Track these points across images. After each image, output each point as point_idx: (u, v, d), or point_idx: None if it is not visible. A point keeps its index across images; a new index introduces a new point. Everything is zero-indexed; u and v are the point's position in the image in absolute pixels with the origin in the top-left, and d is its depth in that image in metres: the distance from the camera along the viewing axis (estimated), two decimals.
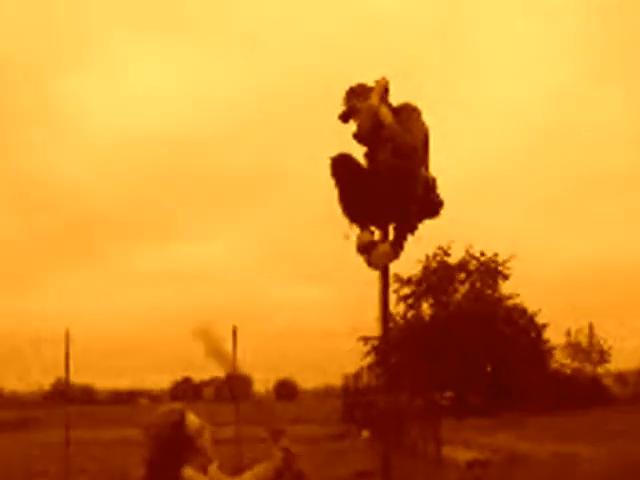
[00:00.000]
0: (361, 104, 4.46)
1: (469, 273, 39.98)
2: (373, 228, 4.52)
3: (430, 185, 4.50)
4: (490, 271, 39.40)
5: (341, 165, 4.46)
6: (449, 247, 39.85)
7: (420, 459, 14.91)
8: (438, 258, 40.16)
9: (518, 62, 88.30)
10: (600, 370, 40.66)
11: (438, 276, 39.42)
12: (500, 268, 39.22)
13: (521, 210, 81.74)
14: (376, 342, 39.51)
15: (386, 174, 4.30)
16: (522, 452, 15.75)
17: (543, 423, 24.65)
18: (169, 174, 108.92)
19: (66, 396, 14.99)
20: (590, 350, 40.40)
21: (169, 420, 3.04)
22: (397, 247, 4.39)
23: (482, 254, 39.61)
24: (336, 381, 38.46)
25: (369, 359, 39.36)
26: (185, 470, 2.97)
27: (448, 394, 38.71)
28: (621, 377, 42.82)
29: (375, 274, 4.48)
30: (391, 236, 4.45)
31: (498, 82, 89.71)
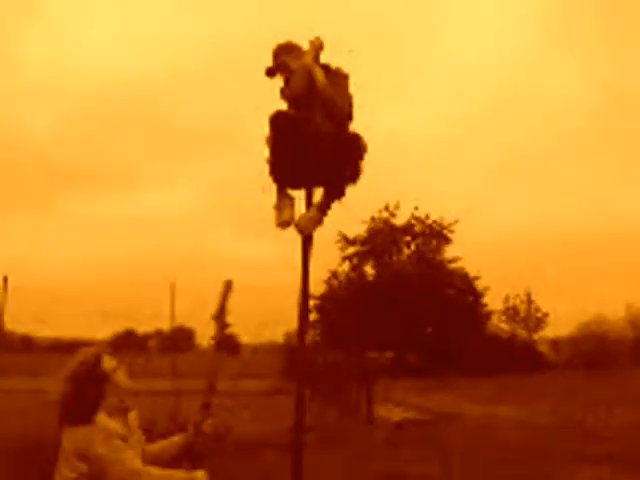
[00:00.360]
0: (293, 62, 4.38)
1: (414, 235, 40.37)
2: (291, 193, 4.46)
3: (362, 148, 4.46)
4: (434, 234, 39.85)
5: (279, 123, 4.35)
6: (395, 208, 40.17)
7: (353, 417, 15.11)
8: (384, 218, 40.44)
9: (478, 26, 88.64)
10: (536, 336, 41.86)
11: (383, 237, 39.70)
12: (444, 232, 39.71)
13: (468, 175, 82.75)
14: (318, 301, 39.90)
15: (322, 139, 4.27)
16: (453, 412, 16.14)
17: (478, 385, 25.22)
18: (125, 121, 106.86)
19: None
20: (527, 316, 41.43)
21: (85, 359, 3.30)
22: (324, 212, 4.38)
23: (427, 217, 40.03)
24: (279, 338, 38.73)
25: (311, 317, 39.73)
26: (98, 416, 3.17)
27: (388, 354, 39.37)
28: (556, 344, 44.11)
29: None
30: (317, 201, 4.41)
31: (456, 46, 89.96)
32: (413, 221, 40.37)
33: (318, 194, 4.46)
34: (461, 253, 39.64)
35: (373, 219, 40.58)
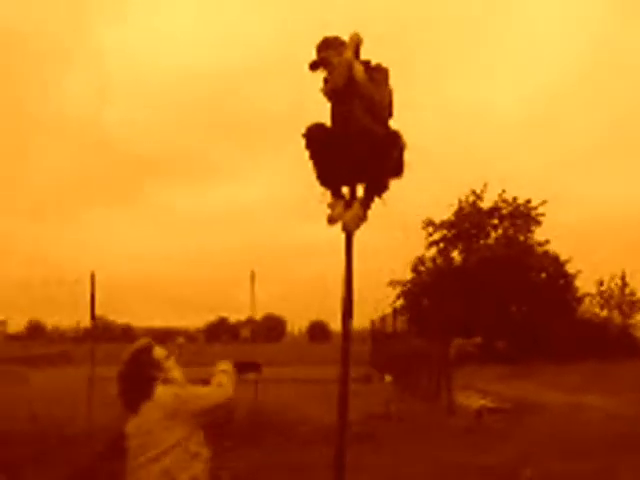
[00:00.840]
0: (334, 57, 4.40)
1: (501, 218, 39.53)
2: (345, 191, 4.53)
3: (401, 145, 4.46)
4: (523, 216, 38.88)
5: (314, 136, 4.45)
6: (482, 191, 39.41)
7: (434, 405, 15.05)
8: (470, 202, 39.79)
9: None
10: (631, 321, 40.25)
11: (470, 221, 39.07)
12: (533, 214, 38.67)
13: (558, 155, 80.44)
14: (405, 287, 39.72)
15: (361, 134, 4.27)
16: (535, 400, 15.81)
17: (565, 372, 24.55)
18: (204, 115, 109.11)
19: (92, 335, 15.33)
20: (621, 300, 39.85)
21: (139, 347, 3.61)
22: (366, 209, 4.40)
23: (515, 199, 39.09)
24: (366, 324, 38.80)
25: (398, 303, 39.57)
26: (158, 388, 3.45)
27: (476, 340, 38.82)
28: None
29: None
30: (360, 196, 4.44)
31: (544, 25, 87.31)
32: (501, 204, 39.46)
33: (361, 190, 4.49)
34: (551, 236, 38.44)
35: (460, 202, 40.00)
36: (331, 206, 4.47)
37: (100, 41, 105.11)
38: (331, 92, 4.45)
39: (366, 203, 4.42)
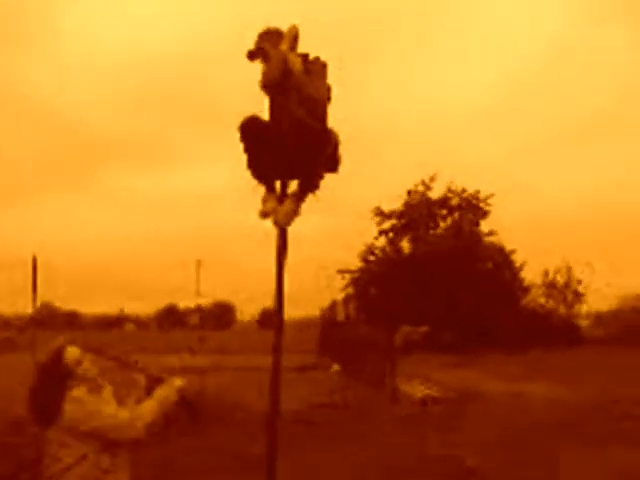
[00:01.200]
0: (270, 49, 4.30)
1: (450, 209, 39.90)
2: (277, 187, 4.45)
3: (334, 142, 4.40)
4: (471, 207, 39.30)
5: (248, 129, 4.32)
6: (432, 181, 39.72)
7: (379, 393, 15.07)
8: (420, 192, 40.05)
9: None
10: (575, 311, 41.01)
11: (419, 211, 39.31)
12: (481, 205, 39.12)
13: (505, 148, 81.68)
14: (354, 274, 39.81)
15: (295, 128, 4.19)
16: (479, 389, 15.95)
17: (510, 362, 24.89)
18: (166, 97, 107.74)
19: (35, 321, 15.04)
20: (565, 291, 40.54)
21: (46, 355, 3.31)
22: (299, 204, 4.33)
23: (464, 190, 39.49)
24: (316, 312, 38.83)
25: (347, 292, 39.68)
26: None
27: (422, 329, 39.11)
28: (595, 318, 43.29)
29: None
30: (293, 192, 4.38)
31: (499, 14, 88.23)
32: (449, 194, 39.86)
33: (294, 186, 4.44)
34: (498, 227, 38.99)
35: (409, 193, 40.21)
36: (263, 200, 4.38)
37: (59, 22, 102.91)
38: (266, 84, 4.34)
39: (299, 198, 4.34)
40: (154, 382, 3.50)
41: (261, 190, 4.44)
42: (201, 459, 8.59)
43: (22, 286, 14.45)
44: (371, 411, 12.69)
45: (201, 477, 8.00)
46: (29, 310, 15.02)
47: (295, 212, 4.31)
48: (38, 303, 14.61)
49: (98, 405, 3.20)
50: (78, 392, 3.20)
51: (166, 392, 3.41)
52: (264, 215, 4.31)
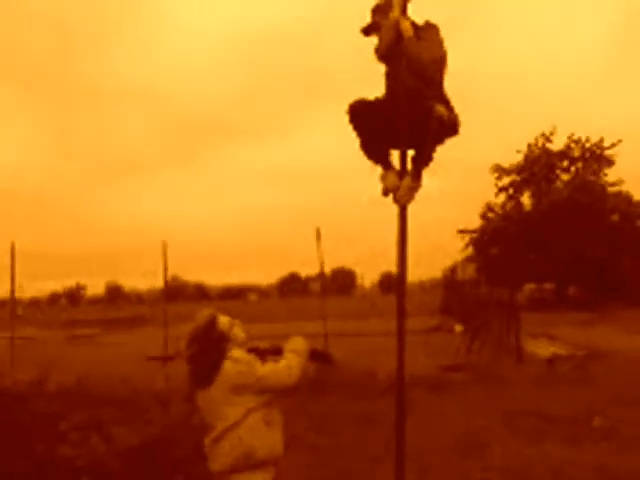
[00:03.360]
0: (383, 19, 4.35)
1: (572, 160, 38.47)
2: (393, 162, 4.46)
3: (448, 104, 4.37)
4: (595, 157, 37.73)
5: (357, 112, 4.37)
6: (552, 133, 38.42)
7: (504, 353, 14.95)
8: (540, 145, 38.82)
9: None
10: None
11: (540, 164, 38.15)
12: (605, 153, 37.47)
13: (627, 94, 77.37)
14: (474, 234, 39.27)
15: (406, 96, 4.17)
16: (610, 347, 15.51)
17: None
18: (269, 72, 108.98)
19: (167, 298, 15.90)
20: None
21: (201, 322, 3.62)
22: (418, 180, 4.31)
23: (587, 140, 37.94)
24: (438, 274, 38.55)
25: (468, 252, 39.26)
26: (225, 362, 3.50)
27: (548, 286, 38.23)
28: None
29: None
30: (410, 167, 4.37)
31: None
32: (572, 145, 38.42)
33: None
34: (625, 176, 37.34)
35: (529, 146, 39.09)
36: (382, 178, 4.41)
37: (164, 8, 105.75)
38: (380, 53, 4.40)
39: (417, 173, 4.33)
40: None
41: (377, 168, 4.48)
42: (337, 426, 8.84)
43: (152, 262, 15.25)
44: (496, 372, 12.64)
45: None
46: (160, 285, 15.81)
47: (415, 189, 4.32)
48: (168, 277, 15.47)
49: (255, 361, 3.53)
50: (236, 353, 3.52)
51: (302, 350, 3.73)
52: (385, 193, 4.35)
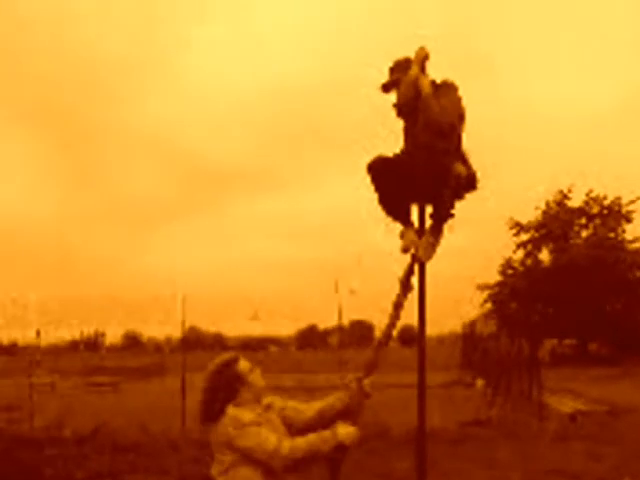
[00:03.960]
0: (402, 76, 4.41)
1: (590, 217, 38.45)
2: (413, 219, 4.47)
3: (466, 161, 4.40)
4: (613, 214, 37.67)
5: (376, 169, 4.36)
6: (569, 191, 38.54)
7: (524, 408, 14.77)
8: (558, 201, 38.89)
9: None
10: None
11: (558, 221, 38.13)
12: (624, 210, 37.43)
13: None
14: (493, 290, 39.09)
15: (421, 153, 4.23)
16: (632, 403, 15.27)
17: None
18: (279, 125, 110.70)
19: (185, 348, 15.90)
20: None
21: (221, 361, 3.63)
22: (437, 237, 4.32)
23: (605, 197, 37.98)
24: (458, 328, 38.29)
25: (487, 307, 39.03)
26: (228, 408, 3.47)
27: (569, 342, 37.80)
28: None
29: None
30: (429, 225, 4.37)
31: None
32: (590, 202, 38.46)
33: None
34: None
35: (547, 203, 39.17)
36: (402, 235, 4.40)
37: (184, 58, 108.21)
38: (399, 108, 4.45)
39: (437, 230, 4.34)
40: None
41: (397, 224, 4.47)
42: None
43: (170, 312, 15.30)
44: (518, 428, 12.47)
45: None
46: (176, 334, 15.84)
47: (434, 245, 4.32)
48: (186, 327, 15.51)
49: (250, 427, 3.41)
50: (238, 412, 3.44)
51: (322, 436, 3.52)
52: (405, 250, 4.32)
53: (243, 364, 3.64)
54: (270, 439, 3.40)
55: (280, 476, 3.44)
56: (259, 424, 3.45)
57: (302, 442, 3.43)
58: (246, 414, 3.46)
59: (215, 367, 3.61)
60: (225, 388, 3.53)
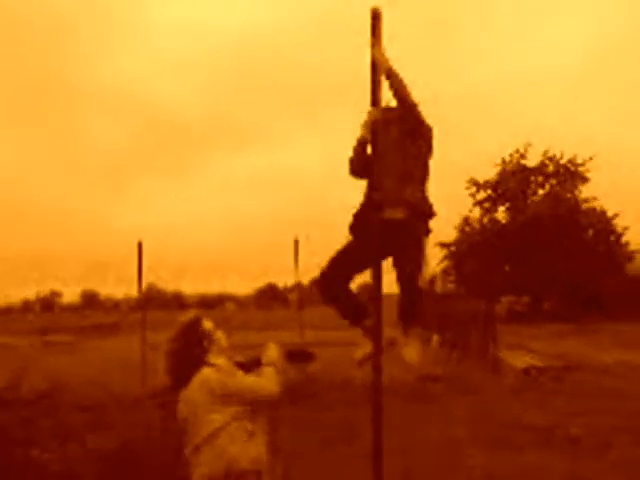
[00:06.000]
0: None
1: (547, 176, 38.92)
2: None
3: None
4: (569, 173, 38.19)
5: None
6: (526, 150, 38.90)
7: (480, 364, 15.05)
8: (515, 161, 39.25)
9: None
10: None
11: (515, 180, 38.54)
12: (580, 170, 37.96)
13: (601, 111, 78.38)
14: (451, 248, 39.54)
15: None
16: (584, 359, 15.70)
17: (617, 331, 24.26)
18: (246, 80, 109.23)
19: (141, 304, 15.71)
20: None
21: (187, 319, 3.63)
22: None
23: (561, 156, 38.44)
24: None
25: (445, 264, 39.51)
26: (203, 369, 3.45)
27: (524, 299, 38.54)
28: None
29: None
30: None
31: None
32: (546, 161, 38.88)
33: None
34: (598, 193, 37.79)
35: (504, 162, 39.49)
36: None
37: (152, 13, 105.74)
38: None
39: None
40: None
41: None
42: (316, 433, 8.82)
43: (129, 270, 15.08)
44: (473, 382, 12.70)
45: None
46: (134, 293, 15.62)
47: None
48: (144, 286, 15.22)
49: (237, 372, 3.51)
50: (220, 361, 3.51)
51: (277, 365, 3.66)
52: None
53: (207, 323, 3.64)
54: (258, 378, 3.50)
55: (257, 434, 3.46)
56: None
57: (271, 370, 3.56)
58: (228, 365, 3.52)
59: (182, 326, 3.59)
60: (194, 346, 3.52)
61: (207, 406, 3.37)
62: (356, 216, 4.38)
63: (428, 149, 4.35)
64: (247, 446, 3.37)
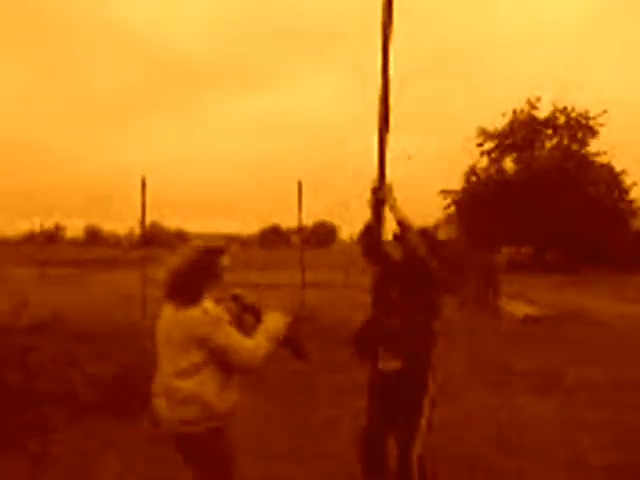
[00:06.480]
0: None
1: (557, 129, 38.49)
2: None
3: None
4: (579, 126, 37.74)
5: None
6: (537, 101, 38.40)
7: (481, 311, 15.14)
8: (525, 111, 38.79)
9: None
10: None
11: (524, 131, 38.13)
12: (591, 124, 37.50)
13: (615, 63, 77.23)
14: (457, 195, 39.39)
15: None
16: (582, 310, 15.76)
17: (619, 283, 24.34)
18: (254, 23, 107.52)
19: (144, 239, 15.70)
20: None
21: (216, 246, 3.50)
22: None
23: (572, 109, 37.94)
24: None
25: (449, 212, 39.43)
26: (206, 302, 3.32)
27: (526, 250, 38.53)
28: None
29: None
30: None
31: None
32: (557, 113, 38.39)
33: None
34: (609, 147, 37.39)
35: (514, 112, 39.02)
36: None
37: None
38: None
39: None
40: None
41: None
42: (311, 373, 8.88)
43: (133, 206, 15.02)
44: (474, 328, 12.79)
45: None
46: (137, 230, 15.59)
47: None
48: (147, 222, 15.17)
49: (224, 323, 3.31)
50: (209, 304, 3.32)
51: (276, 328, 3.50)
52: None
53: (225, 259, 3.50)
54: (246, 340, 3.33)
55: (233, 378, 3.39)
56: (231, 323, 3.36)
57: (263, 340, 3.38)
58: (221, 311, 3.35)
59: (205, 248, 3.45)
60: (208, 272, 3.40)
61: (183, 344, 3.26)
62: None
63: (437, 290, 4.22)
64: (220, 394, 3.30)
